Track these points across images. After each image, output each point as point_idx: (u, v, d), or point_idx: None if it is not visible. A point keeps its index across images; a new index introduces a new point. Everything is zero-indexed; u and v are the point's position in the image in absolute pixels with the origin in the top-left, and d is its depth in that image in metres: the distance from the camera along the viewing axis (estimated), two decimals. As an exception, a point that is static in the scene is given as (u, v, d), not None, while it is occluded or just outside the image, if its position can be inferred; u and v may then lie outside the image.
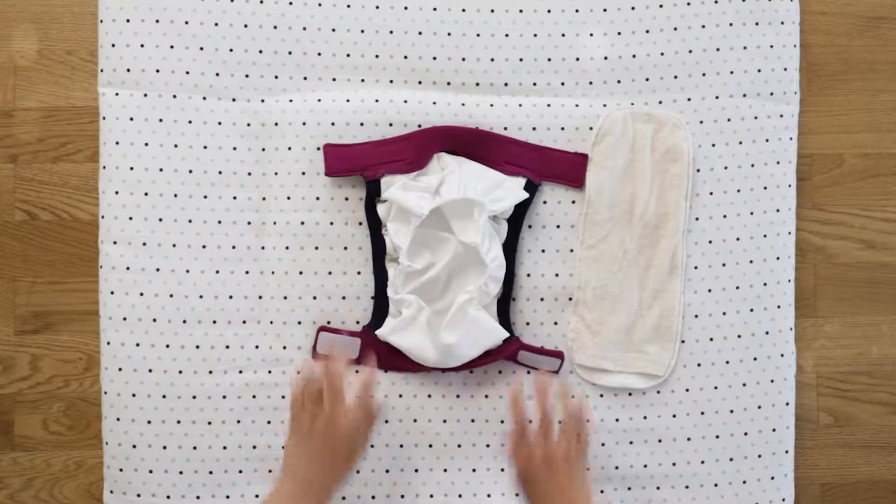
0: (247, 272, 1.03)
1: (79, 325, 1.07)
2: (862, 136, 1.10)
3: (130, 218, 1.03)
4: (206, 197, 1.03)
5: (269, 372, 1.03)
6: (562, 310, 1.05)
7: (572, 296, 1.04)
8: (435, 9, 1.05)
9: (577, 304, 1.04)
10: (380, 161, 1.02)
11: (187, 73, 1.03)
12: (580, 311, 1.04)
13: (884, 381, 1.11)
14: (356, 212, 1.03)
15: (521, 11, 1.05)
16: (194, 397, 1.03)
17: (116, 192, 1.03)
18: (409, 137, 1.02)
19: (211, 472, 1.03)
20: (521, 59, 1.05)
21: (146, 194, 1.03)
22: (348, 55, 1.04)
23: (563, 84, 1.05)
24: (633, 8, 1.05)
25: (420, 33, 1.05)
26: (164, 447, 1.02)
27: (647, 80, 1.05)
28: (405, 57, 1.05)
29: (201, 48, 1.04)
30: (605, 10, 1.05)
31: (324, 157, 1.02)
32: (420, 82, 1.05)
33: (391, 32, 1.04)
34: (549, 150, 1.04)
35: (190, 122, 1.03)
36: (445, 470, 1.04)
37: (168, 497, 1.03)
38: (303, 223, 1.03)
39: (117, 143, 1.03)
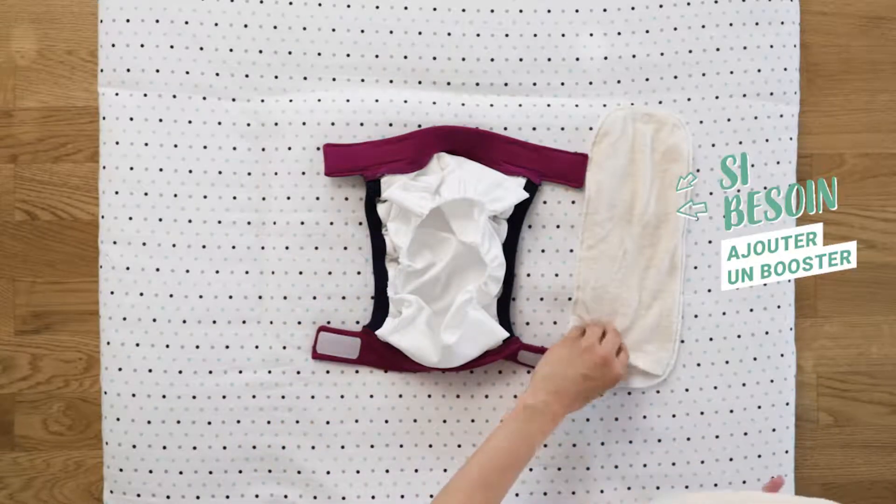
0: (247, 272, 1.03)
1: (79, 325, 1.07)
2: (862, 136, 1.10)
3: (130, 218, 1.02)
4: (206, 197, 1.03)
5: (269, 372, 1.03)
6: (562, 310, 1.05)
7: (572, 296, 1.04)
8: (435, 9, 1.05)
9: (577, 304, 1.04)
10: (380, 161, 1.01)
11: (187, 73, 1.03)
12: (580, 311, 1.04)
13: (884, 381, 1.11)
14: (356, 212, 1.03)
15: (521, 11, 1.05)
16: (194, 397, 1.03)
17: (116, 192, 1.03)
18: (409, 137, 1.02)
19: (211, 472, 1.03)
20: (521, 59, 1.05)
21: (146, 194, 1.03)
22: (348, 55, 1.04)
23: (563, 84, 1.05)
24: (633, 8, 1.05)
25: (420, 33, 1.05)
26: (164, 447, 1.02)
27: (647, 80, 1.05)
28: (405, 57, 1.04)
29: (201, 48, 1.04)
30: (605, 10, 1.05)
31: (324, 157, 1.02)
32: (420, 82, 1.05)
33: (391, 32, 1.04)
34: (549, 150, 1.04)
35: (190, 122, 1.03)
36: (445, 470, 1.04)
37: (168, 497, 1.03)
38: (303, 223, 1.03)
39: (117, 143, 1.03)
